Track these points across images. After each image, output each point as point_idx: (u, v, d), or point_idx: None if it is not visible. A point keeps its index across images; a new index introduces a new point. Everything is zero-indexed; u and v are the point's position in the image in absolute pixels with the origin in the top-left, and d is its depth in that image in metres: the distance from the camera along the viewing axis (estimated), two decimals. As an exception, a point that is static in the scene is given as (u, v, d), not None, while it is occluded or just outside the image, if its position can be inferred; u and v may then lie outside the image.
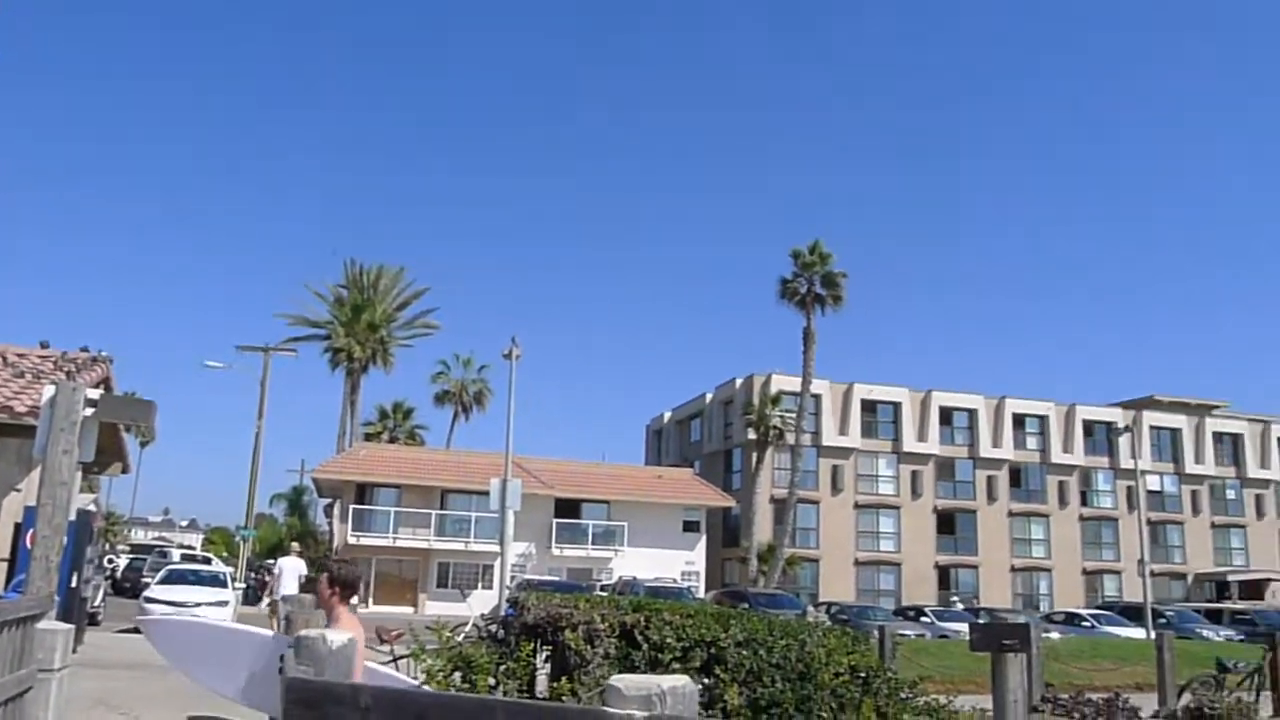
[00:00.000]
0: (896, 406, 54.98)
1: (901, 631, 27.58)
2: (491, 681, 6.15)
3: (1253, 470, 60.96)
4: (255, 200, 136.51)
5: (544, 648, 6.46)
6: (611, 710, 2.17)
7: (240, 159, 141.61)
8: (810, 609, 31.24)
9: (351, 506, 43.26)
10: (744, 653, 6.27)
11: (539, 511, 43.47)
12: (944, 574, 53.90)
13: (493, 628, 7.06)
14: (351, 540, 42.33)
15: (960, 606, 43.70)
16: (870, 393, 54.61)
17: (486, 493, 26.98)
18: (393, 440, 57.06)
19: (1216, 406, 63.15)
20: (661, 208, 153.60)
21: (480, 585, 42.88)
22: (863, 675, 7.19)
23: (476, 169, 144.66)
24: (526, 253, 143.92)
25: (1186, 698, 11.77)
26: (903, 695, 7.39)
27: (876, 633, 13.38)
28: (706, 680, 6.07)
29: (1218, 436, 61.00)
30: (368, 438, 54.46)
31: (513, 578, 31.34)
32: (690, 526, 48.62)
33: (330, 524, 47.86)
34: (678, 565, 46.13)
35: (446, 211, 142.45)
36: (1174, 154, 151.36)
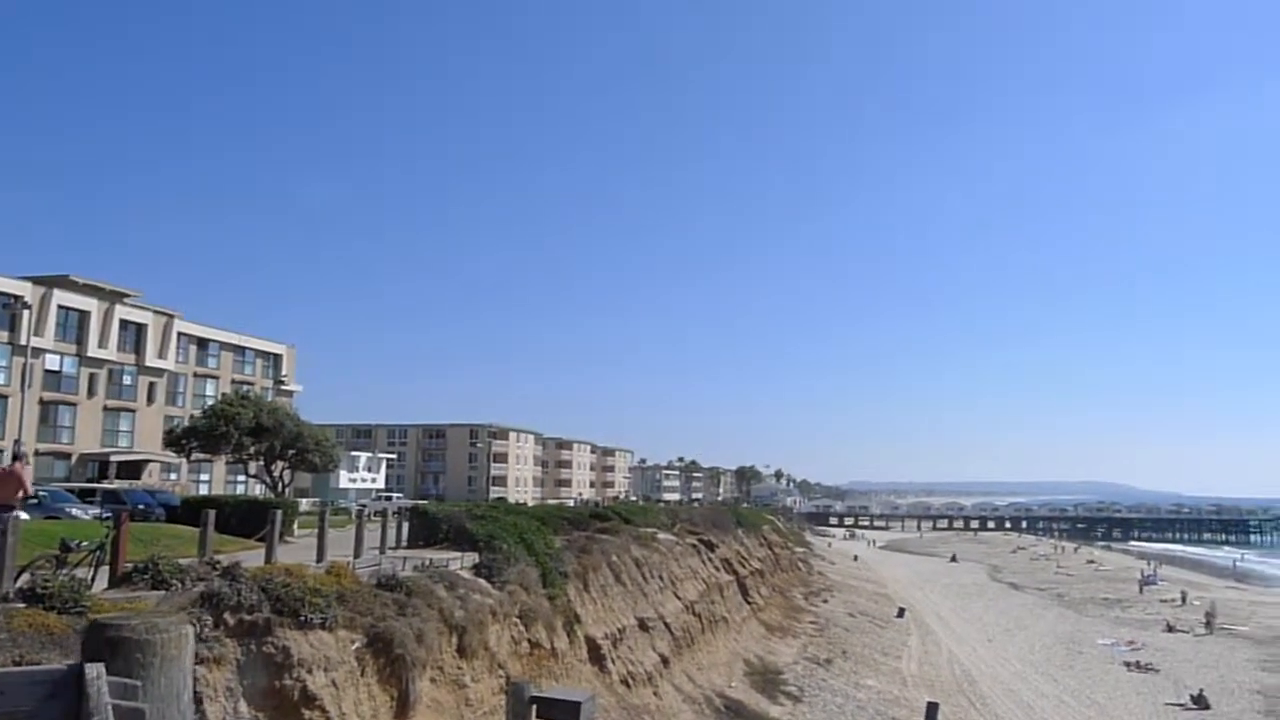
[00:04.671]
0: None
1: None
2: None
3: (151, 359, 64.42)
4: None
5: None
6: None
7: None
8: None
9: None
10: None
11: None
12: None
13: None
14: None
15: None
16: None
17: None
18: None
19: (128, 295, 64.79)
20: None
21: None
22: None
23: None
24: None
25: (25, 578, 11.90)
26: None
27: None
28: None
29: (124, 324, 62.74)
30: None
31: None
32: None
33: None
34: None
35: None
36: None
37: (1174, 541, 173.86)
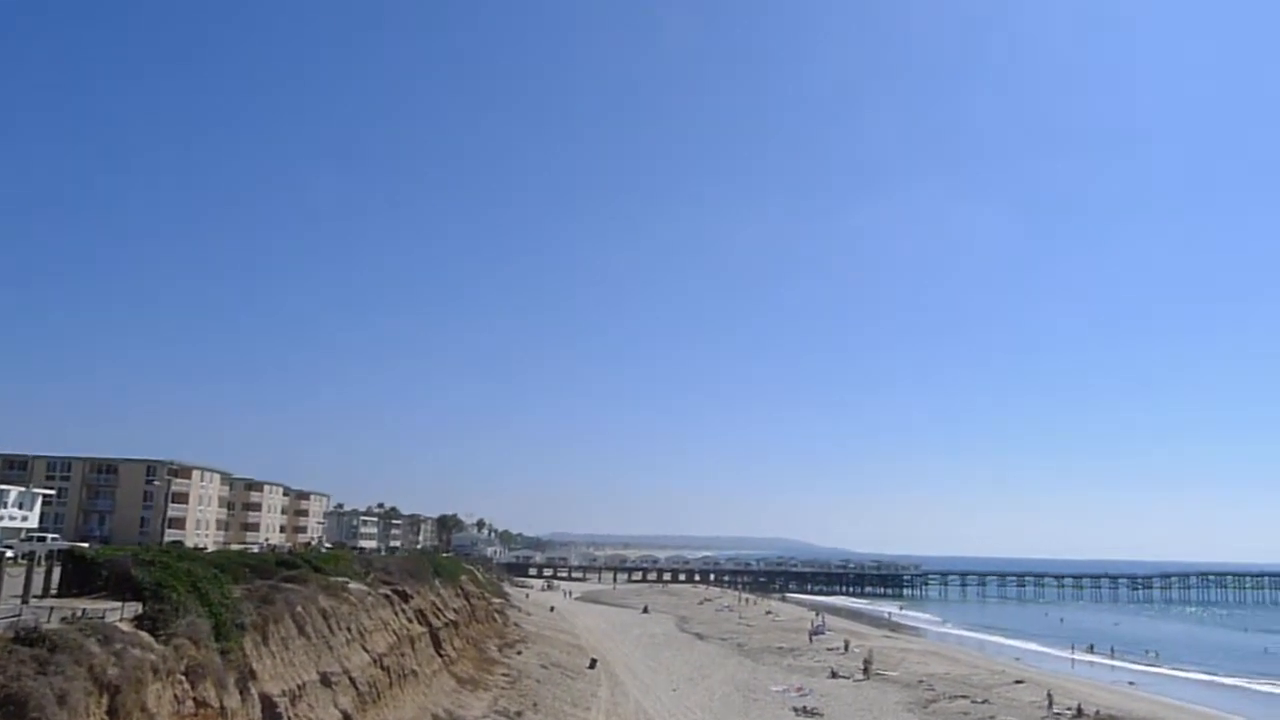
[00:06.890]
0: None
1: None
2: None
3: None
4: None
5: None
6: None
7: None
8: None
9: None
10: None
11: None
12: None
13: None
14: None
15: None
16: None
17: None
18: None
19: None
20: None
21: None
22: None
23: None
24: None
25: None
26: None
27: None
28: None
29: None
30: None
31: None
32: None
33: None
34: None
35: None
36: None
37: (841, 594, 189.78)
